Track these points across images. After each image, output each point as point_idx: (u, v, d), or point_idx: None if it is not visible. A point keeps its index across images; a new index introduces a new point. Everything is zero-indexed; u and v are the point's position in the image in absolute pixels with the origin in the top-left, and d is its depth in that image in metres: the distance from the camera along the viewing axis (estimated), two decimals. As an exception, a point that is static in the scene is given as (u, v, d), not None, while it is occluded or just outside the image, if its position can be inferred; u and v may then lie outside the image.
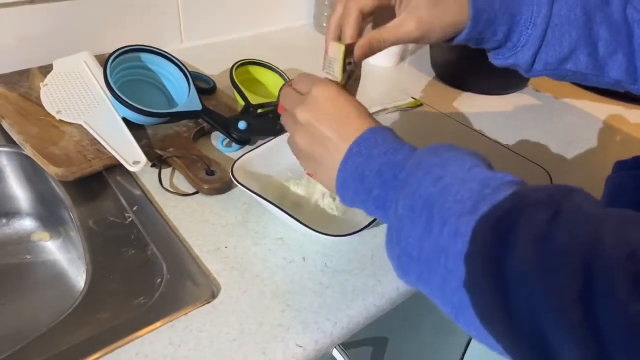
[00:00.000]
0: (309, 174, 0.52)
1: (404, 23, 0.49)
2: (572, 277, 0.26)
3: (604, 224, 0.27)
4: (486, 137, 0.79)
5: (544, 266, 0.27)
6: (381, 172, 0.40)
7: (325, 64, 0.50)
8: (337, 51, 0.48)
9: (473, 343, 0.92)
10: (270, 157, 0.62)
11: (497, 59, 0.54)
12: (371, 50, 0.49)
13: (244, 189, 0.54)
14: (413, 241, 0.36)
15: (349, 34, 0.49)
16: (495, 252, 0.30)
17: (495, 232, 0.31)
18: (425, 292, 0.36)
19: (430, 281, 0.35)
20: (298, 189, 0.59)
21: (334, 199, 0.59)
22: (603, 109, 0.90)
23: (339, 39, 0.51)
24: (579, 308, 0.25)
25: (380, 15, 0.52)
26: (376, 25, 0.52)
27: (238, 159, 0.58)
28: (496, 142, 0.78)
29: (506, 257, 0.29)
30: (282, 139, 0.63)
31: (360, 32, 0.50)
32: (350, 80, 0.51)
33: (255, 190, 0.54)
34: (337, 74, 0.48)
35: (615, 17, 0.49)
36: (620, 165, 0.51)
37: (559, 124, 0.85)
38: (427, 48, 1.03)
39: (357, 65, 0.51)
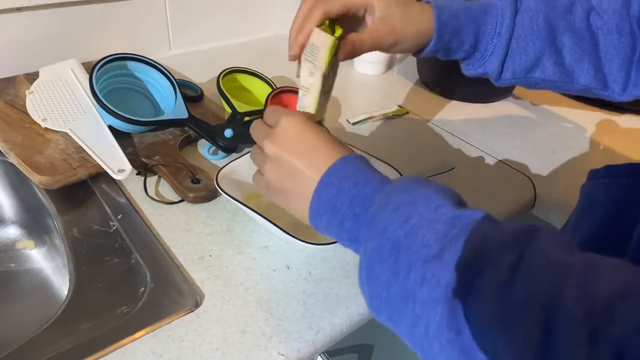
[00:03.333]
0: None
1: (379, 29, 0.51)
2: (530, 331, 0.26)
3: (565, 275, 0.27)
4: (471, 145, 0.79)
5: (504, 318, 0.28)
6: (352, 206, 0.40)
7: (306, 49, 0.49)
8: (325, 41, 0.48)
9: None
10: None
11: (468, 70, 0.57)
12: (354, 52, 0.50)
13: (228, 197, 0.54)
14: (382, 283, 0.35)
15: (306, 33, 0.49)
16: (461, 299, 0.30)
17: (460, 278, 0.31)
18: (396, 332, 0.36)
19: (400, 324, 0.35)
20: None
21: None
22: (587, 117, 0.91)
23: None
24: None
25: (347, 23, 0.52)
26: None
27: (223, 167, 0.58)
28: (481, 150, 0.78)
29: (470, 305, 0.29)
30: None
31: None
32: (333, 72, 0.51)
33: (240, 199, 0.54)
34: (321, 62, 0.48)
35: (578, 25, 0.51)
36: (594, 174, 0.52)
37: (542, 132, 0.86)
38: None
39: (337, 64, 0.52)
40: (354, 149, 0.46)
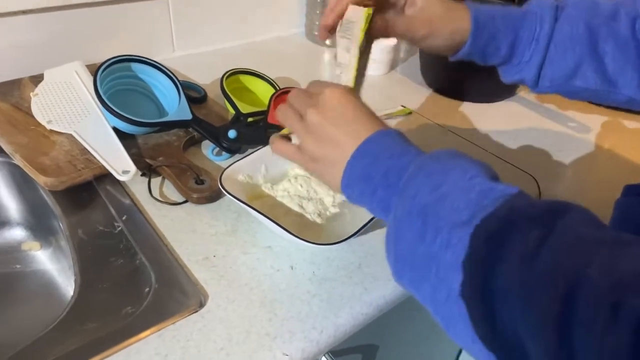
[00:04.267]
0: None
1: (416, 16, 0.51)
2: (552, 302, 0.26)
3: (594, 250, 0.27)
4: (475, 144, 0.79)
5: (527, 286, 0.28)
6: (387, 176, 0.40)
7: (341, 27, 0.50)
8: (360, 14, 0.48)
9: (465, 352, 0.92)
10: (260, 165, 0.62)
11: (505, 76, 0.56)
12: (387, 30, 0.52)
13: (232, 198, 0.54)
14: (408, 245, 0.36)
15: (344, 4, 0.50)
16: (486, 264, 0.30)
17: (488, 245, 0.31)
18: (418, 298, 0.37)
19: (422, 289, 0.35)
20: (284, 199, 0.60)
21: (320, 211, 0.59)
22: (592, 117, 0.91)
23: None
24: (555, 333, 0.25)
25: (387, 11, 0.53)
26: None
27: (227, 167, 0.58)
28: (485, 149, 0.78)
29: (494, 271, 0.30)
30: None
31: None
32: (367, 50, 0.51)
33: (244, 199, 0.54)
34: (357, 36, 0.49)
35: (622, 33, 0.49)
36: (630, 190, 0.51)
37: (547, 132, 0.86)
38: (417, 57, 1.04)
39: (370, 44, 0.53)
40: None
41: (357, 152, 0.42)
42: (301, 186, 0.61)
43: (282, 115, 0.50)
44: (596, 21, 0.50)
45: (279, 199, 0.60)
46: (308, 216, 0.58)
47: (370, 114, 0.45)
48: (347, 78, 0.52)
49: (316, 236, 0.52)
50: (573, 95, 0.55)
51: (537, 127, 0.87)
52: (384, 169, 0.41)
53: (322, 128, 0.45)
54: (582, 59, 0.51)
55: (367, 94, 0.93)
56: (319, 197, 0.61)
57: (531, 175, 0.73)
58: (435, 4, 0.52)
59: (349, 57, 0.51)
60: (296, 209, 0.58)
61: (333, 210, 0.60)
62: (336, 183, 0.44)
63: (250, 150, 0.66)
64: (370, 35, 0.51)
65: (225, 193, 0.54)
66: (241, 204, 0.53)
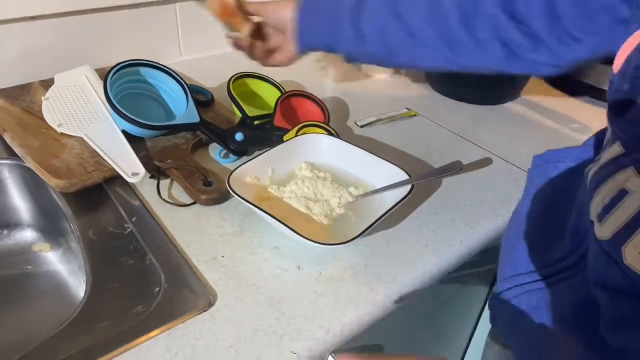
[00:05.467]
0: None
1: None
2: None
3: None
4: (479, 146, 0.80)
5: None
6: None
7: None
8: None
9: (470, 352, 0.93)
10: (267, 167, 0.63)
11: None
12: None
13: (240, 199, 0.55)
14: None
15: None
16: None
17: None
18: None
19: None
20: (291, 200, 0.61)
21: (327, 212, 0.60)
22: (594, 118, 0.91)
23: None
24: None
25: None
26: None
27: (235, 170, 0.59)
28: (489, 151, 0.79)
29: None
30: (279, 150, 0.65)
31: None
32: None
33: (252, 201, 0.55)
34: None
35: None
36: (537, 160, 0.55)
37: (550, 133, 0.86)
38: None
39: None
40: None
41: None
42: (308, 188, 0.62)
43: None
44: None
45: (286, 200, 0.61)
46: (315, 217, 0.59)
47: None
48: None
49: (323, 237, 0.53)
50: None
51: (541, 128, 0.88)
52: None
53: None
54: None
55: (373, 97, 0.94)
56: (326, 199, 0.62)
57: (535, 177, 0.73)
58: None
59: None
60: (303, 210, 0.59)
61: (339, 211, 0.60)
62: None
63: (257, 153, 0.68)
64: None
65: (234, 195, 0.55)
66: (250, 205, 0.54)
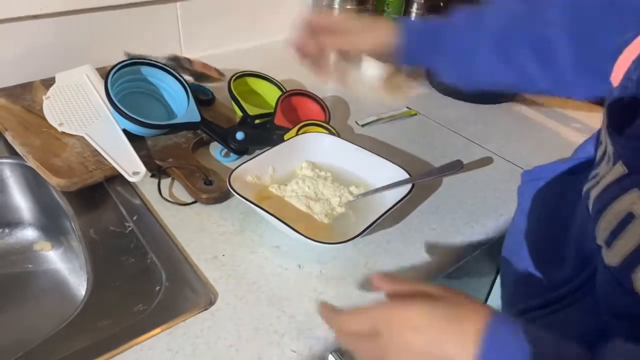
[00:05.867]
0: None
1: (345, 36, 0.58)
2: None
3: None
4: (479, 145, 0.80)
5: None
6: None
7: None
8: None
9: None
10: (267, 166, 0.64)
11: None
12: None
13: (241, 198, 0.55)
14: None
15: None
16: None
17: None
18: None
19: None
20: (292, 199, 0.61)
21: (327, 211, 0.60)
22: (595, 117, 0.91)
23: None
24: None
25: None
26: None
27: (235, 168, 0.59)
28: (489, 150, 0.79)
29: None
30: (279, 148, 0.65)
31: None
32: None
33: (252, 200, 0.55)
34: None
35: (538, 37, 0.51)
36: (526, 176, 0.56)
37: (551, 133, 0.86)
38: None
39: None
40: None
41: None
42: (308, 187, 0.62)
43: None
44: (509, 32, 0.53)
45: (286, 199, 0.61)
46: (315, 216, 0.59)
47: (454, 318, 0.35)
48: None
49: (323, 235, 0.53)
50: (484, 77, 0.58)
51: (541, 128, 0.87)
52: None
53: None
54: (495, 64, 0.54)
55: (372, 96, 0.94)
56: (326, 198, 0.62)
57: (536, 176, 0.73)
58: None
59: None
60: (304, 209, 0.59)
61: (339, 210, 0.60)
62: None
63: (257, 152, 0.68)
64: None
65: (235, 193, 0.55)
66: (250, 204, 0.54)
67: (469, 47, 0.54)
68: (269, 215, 0.53)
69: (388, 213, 0.56)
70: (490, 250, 0.65)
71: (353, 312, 0.38)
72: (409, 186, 0.59)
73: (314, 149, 0.67)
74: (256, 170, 0.62)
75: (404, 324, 0.35)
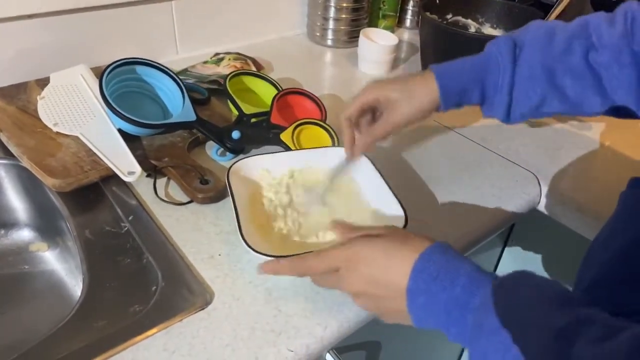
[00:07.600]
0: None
1: (389, 119, 0.58)
2: None
3: None
4: (477, 143, 0.80)
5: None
6: (449, 311, 0.39)
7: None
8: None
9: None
10: (263, 165, 0.63)
11: (484, 114, 0.60)
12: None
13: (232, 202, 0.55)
14: None
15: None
16: None
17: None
18: None
19: None
20: (285, 199, 0.61)
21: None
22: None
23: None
24: None
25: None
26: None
27: (233, 164, 0.59)
28: (486, 148, 0.79)
29: None
30: (276, 148, 0.65)
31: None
32: None
33: (247, 196, 0.55)
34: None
35: (576, 64, 0.53)
36: (634, 182, 0.52)
37: (548, 130, 0.86)
38: (418, 56, 1.05)
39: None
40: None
41: (410, 292, 0.41)
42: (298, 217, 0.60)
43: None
44: (551, 60, 0.54)
45: (284, 199, 0.61)
46: (310, 215, 0.59)
47: (398, 238, 0.44)
48: None
49: (318, 232, 0.52)
50: (545, 117, 0.60)
51: (539, 125, 0.87)
52: (442, 306, 0.39)
53: (368, 293, 0.44)
54: (545, 95, 0.55)
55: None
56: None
57: (532, 173, 0.73)
58: (400, 98, 0.57)
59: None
60: (301, 208, 0.59)
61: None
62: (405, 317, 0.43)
63: (253, 150, 0.67)
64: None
65: (229, 191, 0.55)
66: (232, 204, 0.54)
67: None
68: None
69: None
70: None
71: (316, 256, 0.46)
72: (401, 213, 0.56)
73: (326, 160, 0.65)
74: (252, 168, 0.62)
75: (357, 260, 0.44)
